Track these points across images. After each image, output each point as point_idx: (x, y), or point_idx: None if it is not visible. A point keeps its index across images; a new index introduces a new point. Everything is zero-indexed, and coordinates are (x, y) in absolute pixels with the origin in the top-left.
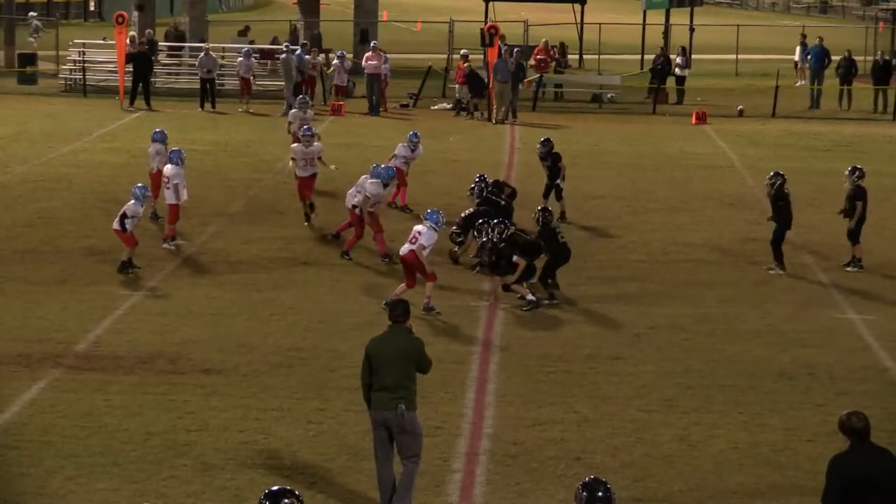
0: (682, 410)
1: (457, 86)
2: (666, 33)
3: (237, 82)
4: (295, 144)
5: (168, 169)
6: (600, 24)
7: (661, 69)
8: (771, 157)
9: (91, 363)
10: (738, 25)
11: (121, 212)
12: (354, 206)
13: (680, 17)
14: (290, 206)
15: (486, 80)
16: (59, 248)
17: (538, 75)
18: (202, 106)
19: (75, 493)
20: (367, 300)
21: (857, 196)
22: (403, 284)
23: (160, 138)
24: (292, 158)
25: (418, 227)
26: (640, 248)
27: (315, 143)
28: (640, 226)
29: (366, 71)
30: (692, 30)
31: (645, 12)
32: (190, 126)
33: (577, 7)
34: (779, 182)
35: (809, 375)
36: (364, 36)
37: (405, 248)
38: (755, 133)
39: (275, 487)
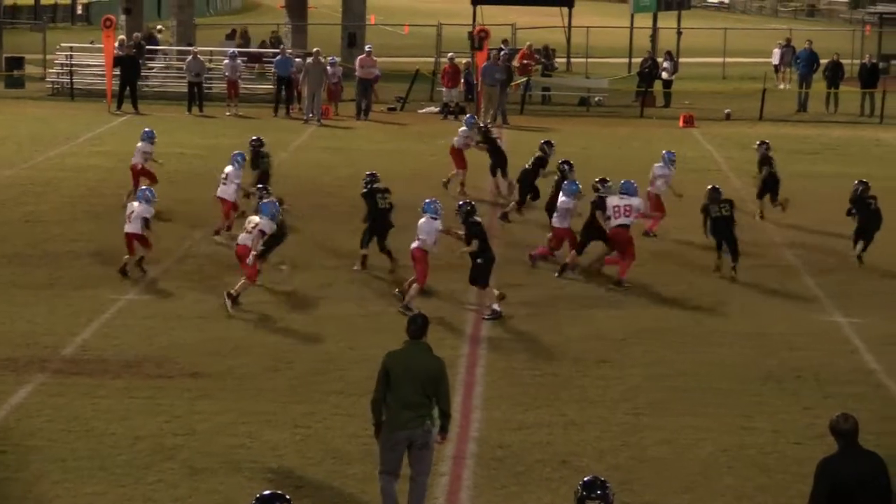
0: (670, 414)
1: (444, 89)
2: (653, 37)
3: (225, 86)
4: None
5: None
6: (588, 27)
7: (649, 72)
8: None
9: (78, 367)
10: (725, 29)
11: (135, 214)
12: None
13: (667, 20)
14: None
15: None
16: (46, 251)
17: (525, 78)
18: (190, 109)
19: (62, 498)
20: (356, 305)
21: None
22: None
23: (147, 137)
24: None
25: (419, 221)
26: None
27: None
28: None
29: (359, 76)
30: (680, 33)
31: (633, 16)
32: (178, 130)
33: (565, 10)
34: (860, 188)
35: (797, 378)
36: (352, 40)
37: (414, 244)
38: (742, 136)
39: (266, 492)
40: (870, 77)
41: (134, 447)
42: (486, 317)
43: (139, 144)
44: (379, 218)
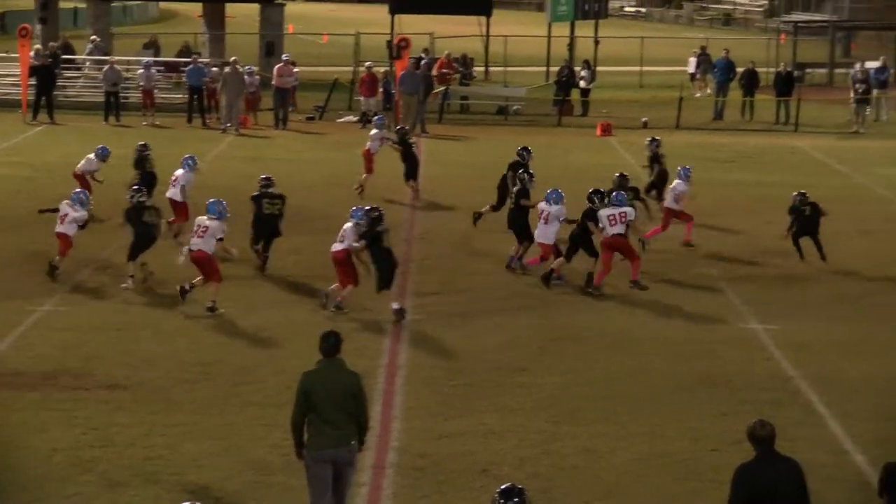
0: (587, 421)
1: (362, 98)
2: (571, 45)
3: (141, 95)
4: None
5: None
6: (506, 36)
7: (566, 81)
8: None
9: None
10: (642, 38)
11: (69, 218)
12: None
13: (585, 29)
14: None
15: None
16: None
17: (444, 87)
18: (106, 119)
19: None
20: (273, 315)
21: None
22: (338, 284)
23: (100, 154)
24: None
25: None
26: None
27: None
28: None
29: (276, 84)
30: (597, 42)
31: (550, 25)
32: (95, 140)
33: (483, 20)
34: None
35: (713, 385)
36: (270, 49)
37: (337, 246)
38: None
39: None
40: (785, 85)
41: (51, 460)
42: (395, 316)
43: (91, 156)
44: (261, 222)
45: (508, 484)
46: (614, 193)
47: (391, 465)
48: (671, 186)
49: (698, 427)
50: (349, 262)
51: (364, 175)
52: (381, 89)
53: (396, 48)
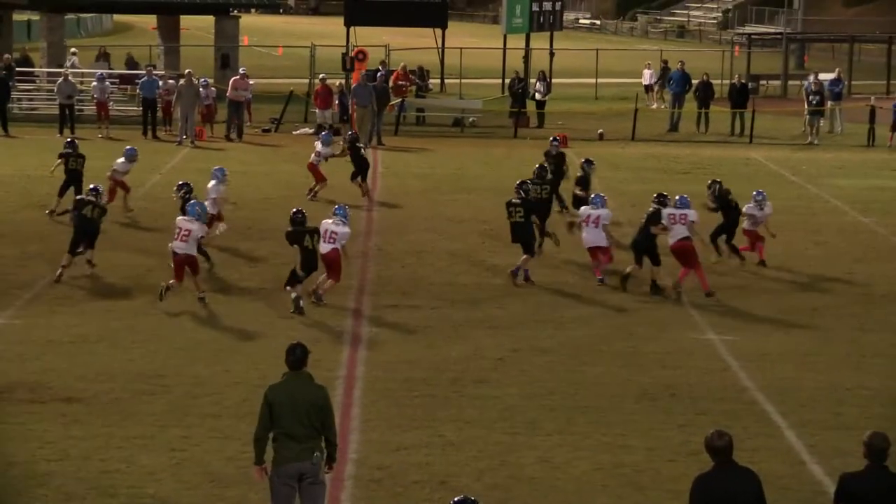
0: (546, 432)
1: (317, 110)
2: (526, 57)
3: (95, 108)
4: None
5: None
6: (461, 48)
7: (521, 93)
8: (631, 180)
9: None
10: (597, 50)
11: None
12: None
13: (540, 41)
14: (153, 232)
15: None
16: None
17: (400, 100)
18: (61, 131)
19: None
20: (229, 326)
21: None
22: (324, 276)
23: (128, 155)
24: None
25: (331, 226)
26: (503, 271)
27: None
28: (503, 249)
29: (230, 97)
30: (552, 54)
31: (505, 37)
32: (49, 152)
33: (438, 31)
34: (718, 187)
35: (671, 396)
36: (225, 61)
37: (326, 247)
38: (615, 156)
39: None
40: (739, 97)
41: (6, 474)
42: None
43: (120, 160)
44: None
45: (461, 496)
46: (678, 197)
47: (349, 478)
48: (747, 211)
49: (657, 437)
50: (339, 261)
51: (317, 184)
52: (336, 101)
53: (350, 60)
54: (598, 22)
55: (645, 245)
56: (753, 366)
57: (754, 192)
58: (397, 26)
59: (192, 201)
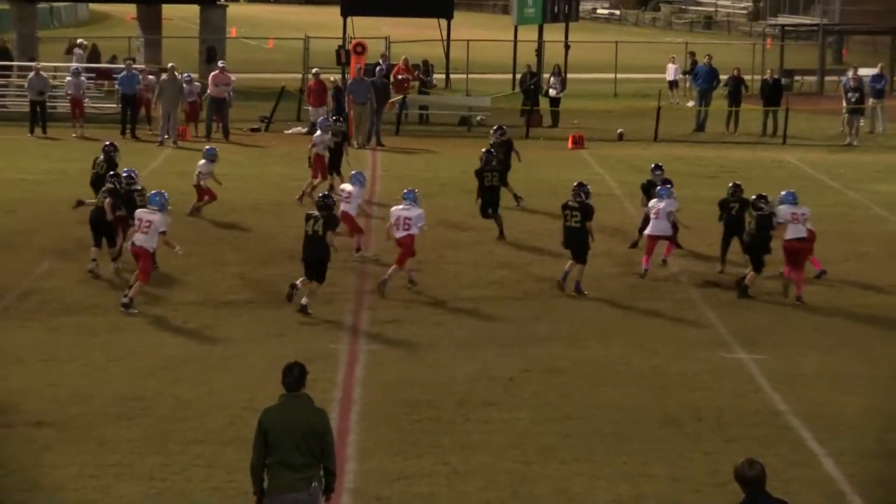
0: (561, 460)
1: (310, 108)
2: (539, 50)
3: (69, 105)
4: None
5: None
6: (468, 40)
7: (533, 89)
8: None
9: None
10: (616, 42)
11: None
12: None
13: (554, 33)
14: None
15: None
16: None
17: (401, 96)
18: (32, 131)
19: None
20: (214, 343)
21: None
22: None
23: (208, 156)
24: None
25: (402, 212)
26: (513, 283)
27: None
28: (513, 259)
29: (211, 94)
30: (567, 47)
31: (516, 28)
32: (20, 153)
33: (443, 22)
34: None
35: (697, 421)
36: (211, 54)
37: (401, 234)
38: (636, 158)
39: None
40: (772, 94)
41: None
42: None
43: (200, 161)
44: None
45: None
46: (784, 192)
47: None
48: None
49: (682, 466)
50: (410, 246)
51: (316, 180)
52: (330, 98)
53: (344, 53)
54: (617, 12)
55: (763, 248)
56: (788, 388)
57: (784, 194)
58: (398, 16)
59: (153, 191)
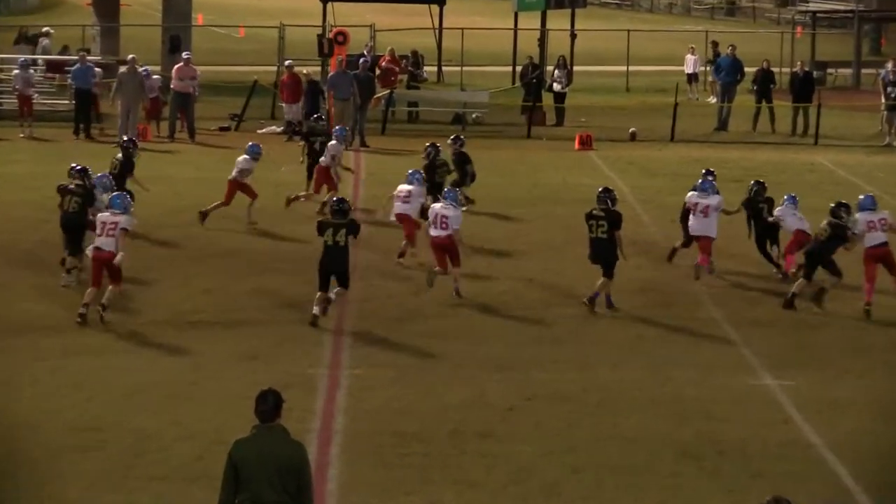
0: (568, 498)
1: (284, 105)
2: (542, 40)
3: (16, 101)
4: None
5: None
6: (463, 29)
7: (536, 83)
8: (670, 190)
9: None
10: (629, 31)
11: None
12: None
13: (559, 20)
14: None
15: (323, 96)
16: None
17: (388, 91)
18: None
19: None
20: (179, 368)
21: None
22: (438, 267)
23: (252, 153)
24: None
25: (440, 210)
26: (512, 300)
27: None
28: (512, 272)
29: (175, 88)
30: (574, 36)
31: (517, 15)
32: None
33: (435, 8)
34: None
35: (718, 454)
36: (175, 44)
37: (439, 233)
38: (650, 160)
39: None
40: (802, 89)
41: None
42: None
43: (239, 159)
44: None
45: None
46: (862, 196)
47: None
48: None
49: None
50: (454, 246)
51: (323, 194)
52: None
53: (328, 43)
54: None
55: (826, 257)
56: (820, 417)
57: (787, 196)
58: (385, 2)
59: (114, 193)
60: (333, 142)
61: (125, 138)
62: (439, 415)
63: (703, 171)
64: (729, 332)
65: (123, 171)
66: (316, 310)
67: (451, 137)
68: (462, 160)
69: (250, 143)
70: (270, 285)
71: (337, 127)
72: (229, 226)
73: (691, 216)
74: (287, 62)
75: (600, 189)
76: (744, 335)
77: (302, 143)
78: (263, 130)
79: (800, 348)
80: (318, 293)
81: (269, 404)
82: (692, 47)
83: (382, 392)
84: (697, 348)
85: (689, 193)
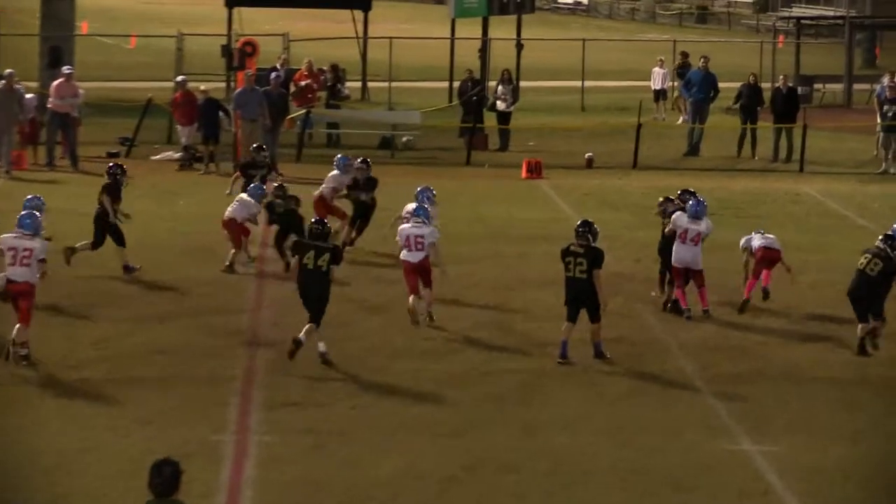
0: None
1: (179, 127)
2: (483, 51)
3: None
4: None
5: None
6: (391, 38)
7: (476, 101)
8: (635, 225)
9: None
10: (584, 40)
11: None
12: None
13: (503, 28)
14: None
15: (227, 116)
16: None
17: (304, 111)
18: None
19: None
20: (62, 432)
21: None
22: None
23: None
24: None
25: (412, 231)
26: (448, 354)
27: None
28: (450, 323)
29: (53, 108)
30: (520, 46)
31: (454, 22)
32: None
33: (359, 15)
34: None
35: None
36: (55, 56)
37: (418, 256)
38: (610, 191)
39: None
40: (785, 107)
41: None
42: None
43: (332, 174)
44: None
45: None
46: None
47: None
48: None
49: None
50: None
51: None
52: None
53: (238, 55)
54: (585, 1)
55: (875, 297)
56: (807, 486)
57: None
58: (300, 7)
59: (23, 212)
60: (335, 172)
61: (110, 164)
62: (365, 490)
63: (681, 192)
64: (701, 388)
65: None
66: (322, 346)
67: (359, 160)
68: (371, 186)
69: (339, 156)
70: (168, 337)
71: (339, 156)
72: (117, 267)
73: (677, 244)
74: (179, 78)
75: (579, 223)
76: (717, 392)
77: (236, 173)
78: (159, 157)
79: (783, 407)
80: (308, 326)
81: (165, 477)
82: (661, 60)
83: (298, 463)
84: (665, 407)
85: (677, 215)
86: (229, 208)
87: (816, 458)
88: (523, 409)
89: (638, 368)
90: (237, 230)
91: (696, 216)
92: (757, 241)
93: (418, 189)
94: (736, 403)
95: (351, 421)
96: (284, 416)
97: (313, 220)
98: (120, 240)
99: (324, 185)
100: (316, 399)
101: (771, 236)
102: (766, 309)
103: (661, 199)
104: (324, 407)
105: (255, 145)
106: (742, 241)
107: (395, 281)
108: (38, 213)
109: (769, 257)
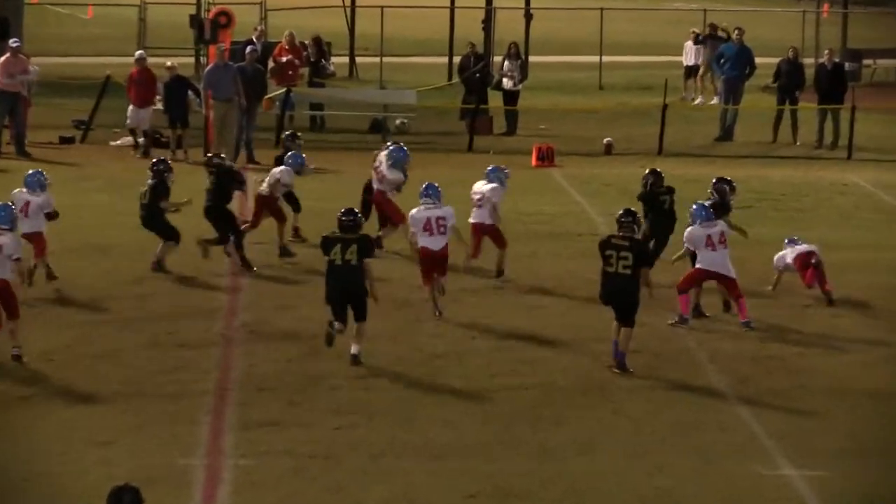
0: None
1: (130, 108)
2: (488, 22)
3: None
4: None
5: None
6: (382, 6)
7: (479, 79)
8: None
9: None
10: (601, 9)
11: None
12: None
13: None
14: None
15: (197, 96)
16: None
17: (283, 90)
18: None
19: None
20: (10, 459)
21: None
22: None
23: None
24: None
25: (427, 213)
26: (450, 365)
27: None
28: (451, 329)
29: (4, 89)
30: (529, 16)
31: None
32: None
33: None
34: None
35: None
36: (2, 27)
37: (440, 242)
38: (631, 181)
39: None
40: (831, 86)
41: None
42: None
43: (278, 170)
44: None
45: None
46: None
47: None
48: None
49: None
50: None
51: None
52: (159, 95)
53: (214, 26)
54: None
55: None
56: None
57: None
58: None
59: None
60: (284, 168)
61: (154, 159)
62: None
63: (715, 180)
64: (736, 408)
65: (156, 198)
66: (355, 348)
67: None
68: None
69: (293, 154)
70: (130, 348)
71: (294, 154)
72: (73, 271)
73: (705, 252)
74: (137, 53)
75: (622, 211)
76: (755, 411)
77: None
78: (119, 142)
79: (829, 426)
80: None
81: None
82: (695, 32)
83: (277, 489)
84: (696, 426)
85: (691, 230)
86: (264, 183)
87: (869, 484)
88: (532, 428)
89: (663, 383)
90: (271, 207)
91: (708, 219)
92: (790, 256)
93: (489, 168)
94: (775, 422)
95: (336, 443)
96: (262, 436)
97: (342, 210)
98: (171, 235)
99: (265, 185)
100: (297, 418)
101: (800, 242)
102: (806, 315)
103: (646, 170)
104: (306, 427)
105: (288, 132)
106: (775, 259)
107: (380, 285)
108: (11, 204)
109: (808, 261)
